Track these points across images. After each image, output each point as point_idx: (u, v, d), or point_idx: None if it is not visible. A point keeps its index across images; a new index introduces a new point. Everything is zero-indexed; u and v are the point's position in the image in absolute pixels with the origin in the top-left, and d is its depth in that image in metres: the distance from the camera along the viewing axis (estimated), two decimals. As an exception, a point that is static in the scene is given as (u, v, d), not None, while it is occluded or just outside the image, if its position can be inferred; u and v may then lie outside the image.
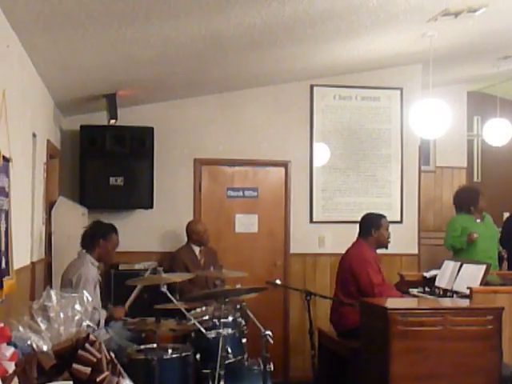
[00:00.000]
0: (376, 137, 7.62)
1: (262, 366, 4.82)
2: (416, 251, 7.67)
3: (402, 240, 7.49)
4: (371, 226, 5.96)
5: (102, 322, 5.30)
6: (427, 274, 6.33)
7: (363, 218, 6.09)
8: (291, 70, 6.91)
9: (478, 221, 7.31)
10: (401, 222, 7.61)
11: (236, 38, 5.02)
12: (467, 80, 8.73)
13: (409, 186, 7.69)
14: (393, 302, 4.92)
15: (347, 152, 7.59)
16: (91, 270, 5.42)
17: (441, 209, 8.84)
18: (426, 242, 7.96)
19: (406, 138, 7.59)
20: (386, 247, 6.06)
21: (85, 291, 2.79)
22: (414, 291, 6.11)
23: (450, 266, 6.02)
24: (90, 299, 2.73)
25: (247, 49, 5.55)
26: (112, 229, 5.69)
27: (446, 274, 5.99)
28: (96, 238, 5.56)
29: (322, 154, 7.54)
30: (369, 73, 7.51)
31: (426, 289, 6.13)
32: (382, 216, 6.06)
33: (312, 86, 7.50)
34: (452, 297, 5.66)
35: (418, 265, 7.59)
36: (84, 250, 5.54)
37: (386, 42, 6.12)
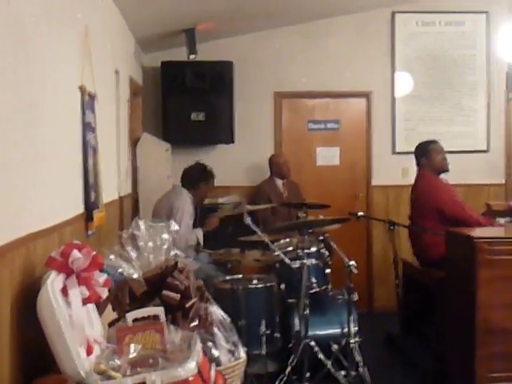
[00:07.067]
0: (461, 63, 7.38)
1: (346, 296, 4.86)
2: (503, 181, 7.48)
3: (488, 169, 7.32)
4: (420, 156, 5.78)
5: (201, 239, 5.58)
6: (515, 204, 6.19)
7: (415, 150, 5.89)
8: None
9: None
10: (487, 151, 7.41)
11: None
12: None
13: (495, 113, 7.45)
14: (479, 231, 4.82)
15: (430, 80, 7.39)
16: (188, 203, 5.61)
17: (529, 137, 8.52)
18: (514, 171, 7.73)
19: (493, 64, 7.33)
20: (446, 170, 5.76)
21: (173, 221, 2.86)
22: (501, 220, 5.98)
23: (539, 194, 5.86)
24: (177, 228, 2.80)
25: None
26: (212, 174, 5.86)
27: (535, 203, 5.84)
28: (199, 180, 5.75)
29: (404, 83, 7.37)
30: (453, -4, 7.24)
31: (514, 218, 5.99)
32: (428, 142, 5.82)
33: (393, 13, 7.29)
34: (541, 225, 5.53)
35: (506, 194, 7.40)
36: (181, 185, 5.71)
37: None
